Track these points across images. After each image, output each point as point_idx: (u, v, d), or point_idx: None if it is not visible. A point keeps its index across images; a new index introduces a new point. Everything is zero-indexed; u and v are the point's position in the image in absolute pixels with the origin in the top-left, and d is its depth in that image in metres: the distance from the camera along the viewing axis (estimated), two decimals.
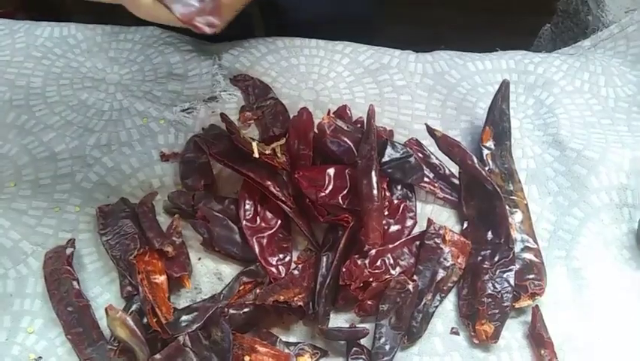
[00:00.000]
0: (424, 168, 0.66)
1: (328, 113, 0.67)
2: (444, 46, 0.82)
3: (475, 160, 0.64)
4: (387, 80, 0.76)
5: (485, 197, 0.63)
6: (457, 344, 0.58)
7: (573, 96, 0.75)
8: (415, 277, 0.59)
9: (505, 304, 0.58)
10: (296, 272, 0.59)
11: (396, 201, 0.64)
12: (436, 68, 0.77)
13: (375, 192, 0.60)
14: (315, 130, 0.65)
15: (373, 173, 0.60)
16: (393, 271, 0.59)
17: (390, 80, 0.76)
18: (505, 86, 0.70)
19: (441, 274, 0.60)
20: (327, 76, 0.76)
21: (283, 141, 0.66)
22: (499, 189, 0.63)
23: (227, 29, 0.48)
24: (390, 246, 0.60)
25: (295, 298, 0.56)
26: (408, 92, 0.75)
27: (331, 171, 0.63)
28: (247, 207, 0.62)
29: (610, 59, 0.80)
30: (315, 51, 0.78)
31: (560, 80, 0.76)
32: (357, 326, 0.57)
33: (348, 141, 0.64)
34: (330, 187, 0.62)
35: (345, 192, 0.62)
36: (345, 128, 0.65)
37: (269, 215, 0.63)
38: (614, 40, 0.81)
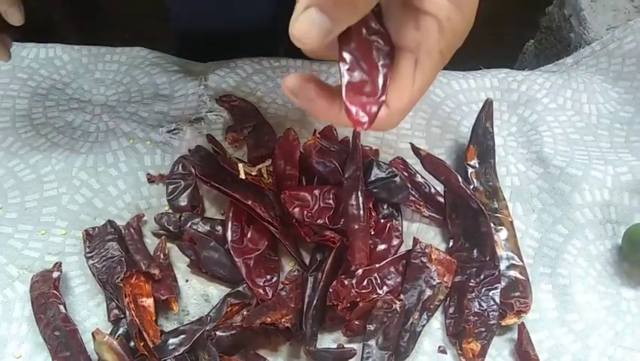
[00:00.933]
0: (410, 187, 0.67)
1: (314, 134, 0.68)
2: None
3: (460, 179, 0.65)
4: None
5: (470, 215, 0.64)
6: None
7: (556, 113, 0.76)
8: (401, 297, 0.59)
9: (491, 323, 0.58)
10: (283, 293, 0.60)
11: (382, 221, 0.65)
12: None
13: (361, 212, 0.60)
14: (301, 150, 0.65)
15: (359, 193, 0.61)
16: (380, 291, 0.59)
17: None
18: (488, 105, 0.70)
19: (427, 292, 0.60)
20: None
21: (269, 162, 0.66)
22: (483, 208, 0.63)
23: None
24: (377, 265, 0.61)
25: (282, 320, 0.56)
26: None
27: (317, 191, 0.63)
28: (234, 228, 0.63)
29: (592, 76, 0.81)
30: (300, 71, 0.79)
31: (543, 97, 0.77)
32: (345, 346, 0.57)
33: (334, 162, 0.64)
34: (317, 207, 0.63)
35: (331, 212, 0.62)
36: (331, 148, 0.65)
37: (255, 236, 0.63)
38: (596, 57, 0.82)
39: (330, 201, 0.63)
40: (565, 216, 0.67)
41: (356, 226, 0.59)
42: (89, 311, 0.60)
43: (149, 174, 0.69)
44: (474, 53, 0.86)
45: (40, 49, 0.80)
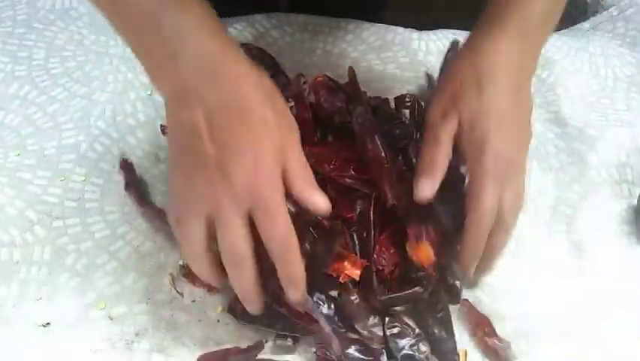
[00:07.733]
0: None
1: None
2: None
3: None
4: (390, 57, 0.77)
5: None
6: None
7: (573, 76, 0.76)
8: None
9: None
10: None
11: None
12: (439, 47, 0.78)
13: (382, 154, 0.59)
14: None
15: (376, 136, 0.60)
16: None
17: (394, 57, 0.77)
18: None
19: None
20: (330, 52, 0.77)
21: None
22: None
23: None
24: None
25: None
26: (411, 69, 0.76)
27: (335, 145, 0.63)
28: None
29: (609, 40, 0.81)
30: (319, 27, 0.79)
31: (561, 59, 0.77)
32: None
33: (341, 100, 0.64)
34: (339, 161, 0.62)
35: (354, 164, 0.62)
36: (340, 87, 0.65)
37: None
38: (613, 22, 0.83)
39: (350, 153, 0.62)
40: (581, 175, 0.68)
41: (380, 168, 0.59)
42: (110, 256, 0.60)
43: (162, 125, 0.68)
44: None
45: None
